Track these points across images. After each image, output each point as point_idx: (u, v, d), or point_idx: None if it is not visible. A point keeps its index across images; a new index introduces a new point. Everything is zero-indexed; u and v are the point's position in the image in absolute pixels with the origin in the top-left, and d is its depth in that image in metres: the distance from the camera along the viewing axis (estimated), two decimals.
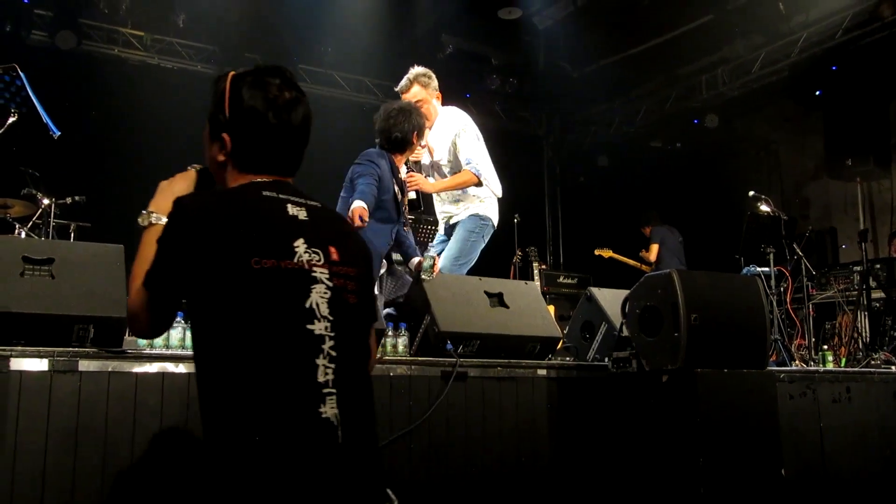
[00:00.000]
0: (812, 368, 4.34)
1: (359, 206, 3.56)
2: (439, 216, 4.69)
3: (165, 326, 1.77)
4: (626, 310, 3.35)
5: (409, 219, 4.28)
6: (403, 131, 3.99)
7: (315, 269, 1.66)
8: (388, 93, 4.61)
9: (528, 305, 3.57)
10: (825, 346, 5.16)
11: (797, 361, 4.96)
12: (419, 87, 4.45)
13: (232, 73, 1.80)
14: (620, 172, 10.22)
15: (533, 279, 6.12)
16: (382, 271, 4.05)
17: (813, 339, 5.55)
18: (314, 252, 1.67)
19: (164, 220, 1.73)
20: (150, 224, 1.77)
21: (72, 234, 5.92)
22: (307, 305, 1.62)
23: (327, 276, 1.67)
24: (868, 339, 6.06)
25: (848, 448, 3.80)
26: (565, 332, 4.03)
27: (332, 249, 1.71)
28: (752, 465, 3.11)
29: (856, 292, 6.48)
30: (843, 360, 5.36)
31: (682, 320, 3.11)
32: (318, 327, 1.61)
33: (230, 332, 1.57)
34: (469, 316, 3.33)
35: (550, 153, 11.31)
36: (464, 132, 4.40)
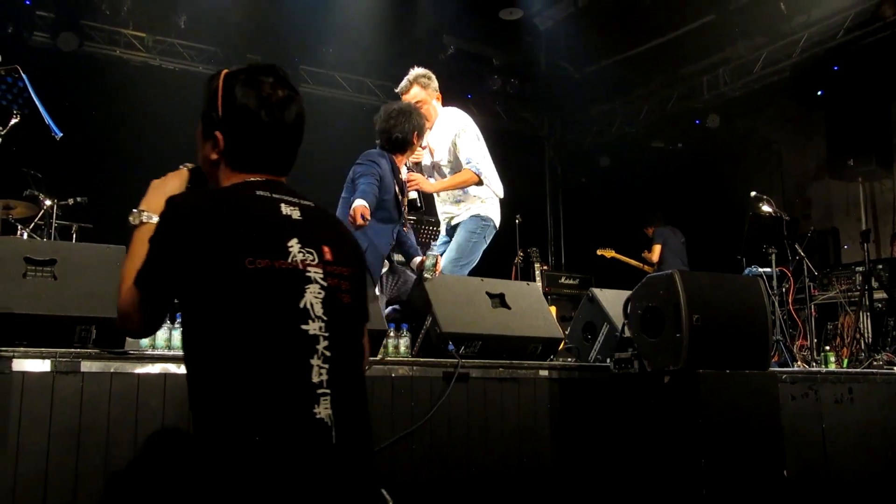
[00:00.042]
0: (814, 369, 4.33)
1: (360, 204, 3.56)
2: (441, 217, 4.69)
3: (157, 326, 1.76)
4: (628, 310, 3.35)
5: (410, 219, 4.28)
6: (404, 132, 4.01)
7: (309, 268, 1.65)
8: (390, 93, 4.61)
9: (530, 306, 3.56)
10: (827, 347, 5.15)
11: (799, 362, 4.95)
12: (419, 88, 4.46)
13: (225, 71, 1.79)
14: (622, 173, 10.21)
15: (534, 280, 6.12)
16: (384, 271, 4.05)
17: (815, 340, 5.54)
18: (308, 252, 1.67)
19: (155, 218, 1.72)
20: (142, 223, 1.76)
21: (74, 236, 5.93)
22: (301, 305, 1.61)
23: (321, 275, 1.66)
24: (870, 340, 6.05)
25: (850, 449, 3.79)
26: (567, 332, 4.03)
27: (326, 249, 1.70)
28: (754, 466, 3.11)
29: (858, 293, 6.47)
30: (846, 361, 5.35)
31: (684, 321, 3.10)
32: (313, 327, 1.61)
33: (224, 332, 1.56)
34: (471, 317, 3.33)
35: (552, 154, 11.31)
36: (464, 132, 4.40)
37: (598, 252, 8.31)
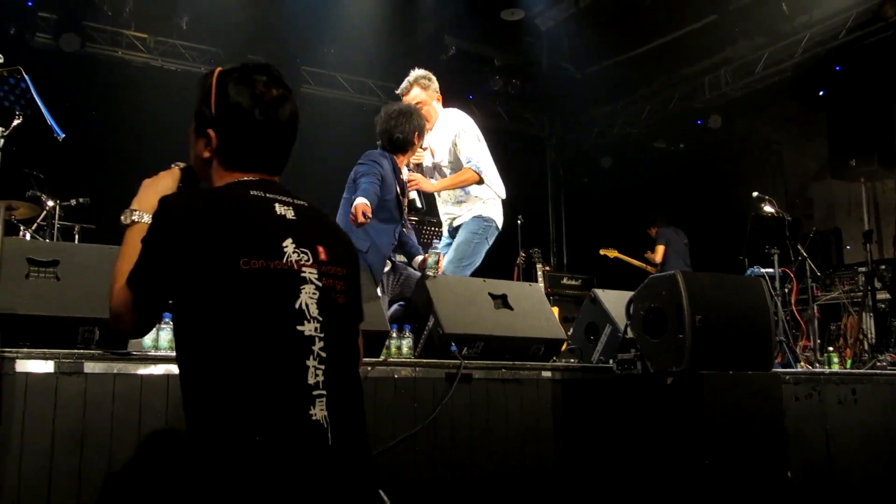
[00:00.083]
0: (817, 370, 4.33)
1: (361, 202, 3.57)
2: (443, 218, 4.69)
3: (150, 326, 1.75)
4: (631, 311, 3.35)
5: (412, 220, 4.28)
6: (405, 132, 4.02)
7: (304, 269, 1.64)
8: (391, 94, 4.62)
9: (533, 307, 3.56)
10: (830, 348, 5.14)
11: (802, 363, 4.94)
12: (419, 89, 4.47)
13: (219, 69, 1.78)
14: (624, 173, 10.21)
15: (536, 281, 6.10)
16: (386, 270, 4.05)
17: (818, 341, 5.53)
18: (303, 252, 1.65)
19: (147, 218, 1.72)
20: (133, 222, 1.75)
21: (76, 236, 5.94)
22: (297, 306, 1.60)
23: (316, 276, 1.65)
24: (874, 341, 6.04)
25: (854, 450, 3.79)
26: (569, 333, 4.03)
27: (321, 249, 1.69)
28: (757, 468, 3.10)
29: (861, 293, 6.46)
30: (849, 362, 5.34)
31: (687, 322, 3.10)
32: (308, 328, 1.60)
33: (219, 333, 1.55)
34: (473, 317, 3.33)
35: (553, 154, 11.31)
36: (464, 132, 4.41)
37: (601, 252, 8.30)
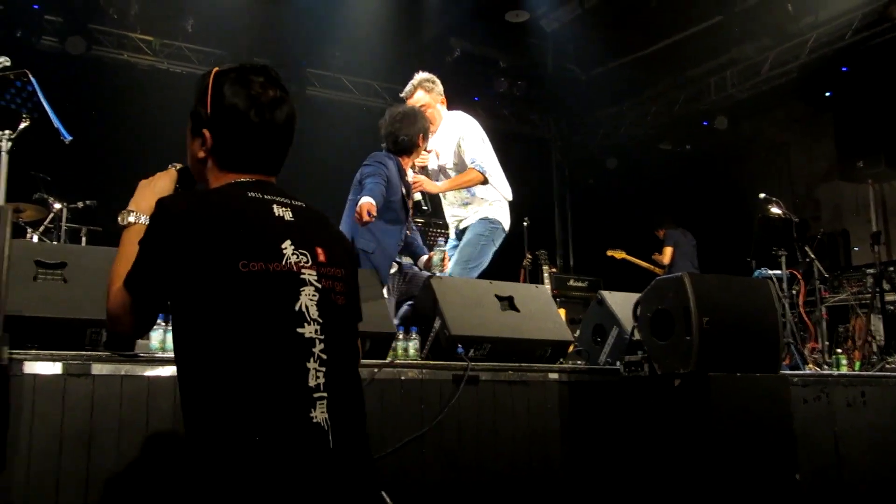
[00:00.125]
0: (826, 372, 4.31)
1: (366, 201, 3.57)
2: (449, 220, 4.69)
3: (148, 328, 1.74)
4: (638, 313, 3.34)
5: (419, 222, 4.28)
6: (409, 134, 4.04)
7: (303, 270, 1.63)
8: (396, 96, 4.62)
9: (539, 309, 3.55)
10: (839, 350, 5.11)
11: (810, 365, 4.92)
12: (423, 92, 4.48)
13: (216, 69, 1.77)
14: (629, 175, 10.20)
15: (543, 283, 6.09)
16: (392, 271, 4.05)
17: (826, 343, 5.50)
18: (301, 254, 1.64)
19: (144, 219, 1.71)
20: (130, 223, 1.74)
21: (83, 239, 5.95)
22: (297, 308, 1.59)
23: (315, 277, 1.64)
24: (882, 343, 6.01)
25: (863, 453, 3.76)
26: (576, 335, 4.02)
27: (319, 250, 1.68)
28: (765, 470, 3.09)
29: (869, 295, 6.43)
30: (858, 364, 5.32)
31: (694, 324, 3.09)
32: (308, 330, 1.59)
33: (218, 336, 1.53)
34: (480, 319, 3.32)
35: (559, 156, 11.30)
36: (468, 134, 4.41)
37: (609, 253, 8.28)
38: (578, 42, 9.24)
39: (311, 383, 1.55)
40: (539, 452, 3.14)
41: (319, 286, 1.64)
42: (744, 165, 9.85)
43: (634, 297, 3.44)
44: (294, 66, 8.72)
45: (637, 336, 3.34)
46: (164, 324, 2.58)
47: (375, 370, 2.81)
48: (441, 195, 4.59)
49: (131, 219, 1.75)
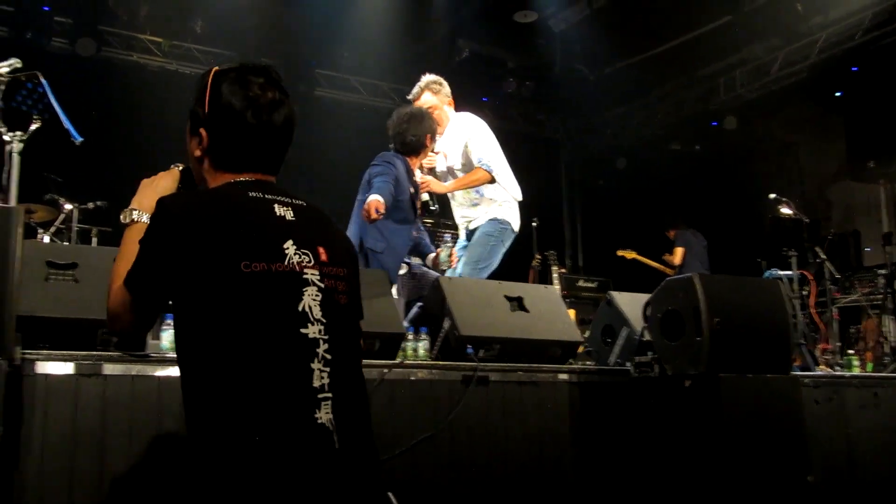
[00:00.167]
0: (838, 373, 4.28)
1: (374, 198, 3.57)
2: (458, 221, 4.69)
3: (148, 327, 1.73)
4: (648, 314, 3.33)
5: (428, 223, 4.28)
6: (417, 134, 4.05)
7: (306, 270, 1.62)
8: (405, 97, 4.64)
9: (549, 309, 3.54)
10: (851, 351, 5.08)
11: (822, 366, 4.89)
12: (430, 94, 4.48)
13: (215, 68, 1.75)
14: (639, 175, 10.17)
15: (552, 283, 6.08)
16: (402, 272, 4.05)
17: (838, 344, 5.47)
18: (304, 253, 1.63)
19: (146, 217, 1.71)
20: (133, 221, 1.74)
21: (94, 239, 5.97)
22: (300, 309, 1.58)
23: (318, 277, 1.63)
24: (894, 344, 5.97)
25: (877, 454, 3.73)
26: (586, 335, 4.01)
27: (321, 250, 1.67)
28: (777, 472, 3.07)
29: (881, 296, 6.39)
30: (870, 365, 5.28)
31: (705, 324, 3.07)
32: (312, 331, 1.57)
33: (221, 337, 1.52)
34: (489, 320, 3.31)
35: (567, 156, 11.28)
36: (475, 135, 4.41)
37: (619, 253, 8.24)
38: (587, 42, 9.22)
39: (316, 384, 1.54)
40: (549, 453, 3.14)
41: (322, 286, 1.63)
42: (753, 166, 9.81)
43: (643, 297, 3.43)
44: (303, 66, 8.74)
45: (647, 337, 3.33)
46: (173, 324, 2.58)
47: (385, 371, 2.81)
48: (450, 196, 4.59)
49: (134, 217, 1.75)
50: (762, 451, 3.05)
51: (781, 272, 5.69)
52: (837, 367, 4.82)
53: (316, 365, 1.55)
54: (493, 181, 4.35)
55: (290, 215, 1.67)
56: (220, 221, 1.59)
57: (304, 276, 1.61)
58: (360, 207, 3.86)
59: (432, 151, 4.31)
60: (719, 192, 9.30)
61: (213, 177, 1.74)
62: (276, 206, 1.67)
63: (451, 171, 4.55)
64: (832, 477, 3.55)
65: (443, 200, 4.60)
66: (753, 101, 9.19)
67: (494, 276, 4.30)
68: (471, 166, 4.41)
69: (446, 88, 4.56)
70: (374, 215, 3.52)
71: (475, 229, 4.48)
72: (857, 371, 4.53)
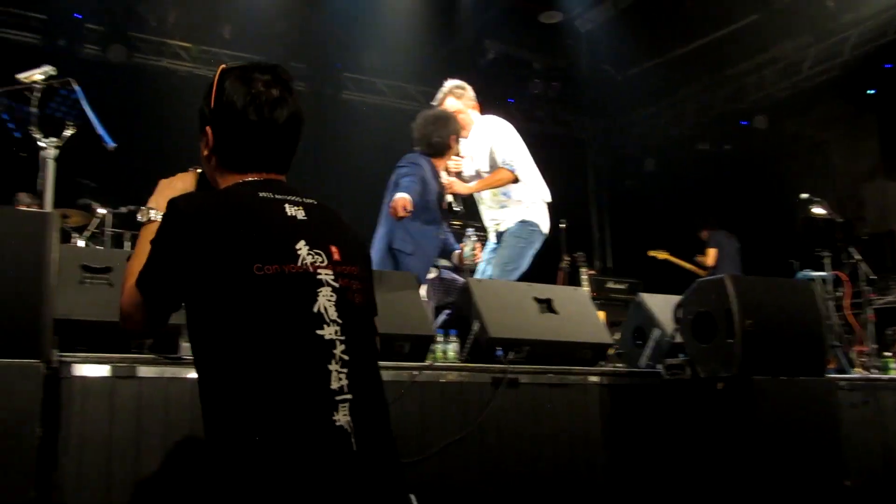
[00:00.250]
0: (874, 376, 4.20)
1: (401, 196, 3.59)
2: (487, 224, 4.67)
3: (160, 326, 1.71)
4: (679, 316, 3.30)
5: (456, 225, 4.29)
6: (442, 136, 4.07)
7: (319, 271, 1.59)
8: (430, 99, 4.64)
9: (578, 311, 3.53)
10: (887, 353, 4.97)
11: (858, 369, 4.80)
12: (453, 98, 4.50)
13: (223, 66, 1.75)
14: (667, 176, 10.06)
15: (581, 285, 6.04)
16: (432, 276, 4.05)
17: (874, 346, 5.36)
18: (317, 253, 1.61)
19: (161, 217, 1.69)
20: (150, 220, 1.74)
21: (126, 243, 6.05)
22: (315, 310, 1.56)
23: (332, 277, 1.61)
24: None
25: None
26: (616, 337, 3.98)
27: (334, 249, 1.64)
28: (813, 475, 3.02)
29: None
30: None
31: (737, 326, 3.04)
32: (328, 332, 1.55)
33: (236, 340, 1.51)
34: (519, 322, 3.31)
35: (595, 157, 11.21)
36: (499, 137, 4.41)
37: (650, 253, 8.15)
38: (613, 42, 9.16)
39: (334, 385, 1.52)
40: (579, 456, 3.12)
41: (336, 286, 1.60)
42: (784, 165, 9.65)
43: (674, 299, 3.41)
44: (330, 70, 8.80)
45: (678, 339, 3.30)
46: None
47: (415, 373, 2.82)
48: (478, 199, 4.59)
49: (151, 215, 1.75)
50: (797, 455, 3.01)
51: (814, 273, 5.59)
52: (874, 370, 4.73)
53: (333, 366, 1.53)
54: (516, 181, 4.34)
55: (301, 215, 1.65)
56: (231, 223, 1.57)
57: (318, 277, 1.59)
58: (388, 209, 3.87)
59: (457, 154, 4.31)
60: (750, 193, 9.17)
61: (222, 176, 1.74)
62: (286, 205, 1.65)
63: (477, 175, 4.55)
64: (869, 481, 3.48)
65: (470, 203, 4.60)
66: (784, 99, 9.05)
67: (523, 278, 4.28)
68: (497, 168, 4.41)
69: (470, 92, 4.56)
70: (401, 213, 3.54)
71: (504, 231, 4.47)
72: (893, 374, 4.43)
